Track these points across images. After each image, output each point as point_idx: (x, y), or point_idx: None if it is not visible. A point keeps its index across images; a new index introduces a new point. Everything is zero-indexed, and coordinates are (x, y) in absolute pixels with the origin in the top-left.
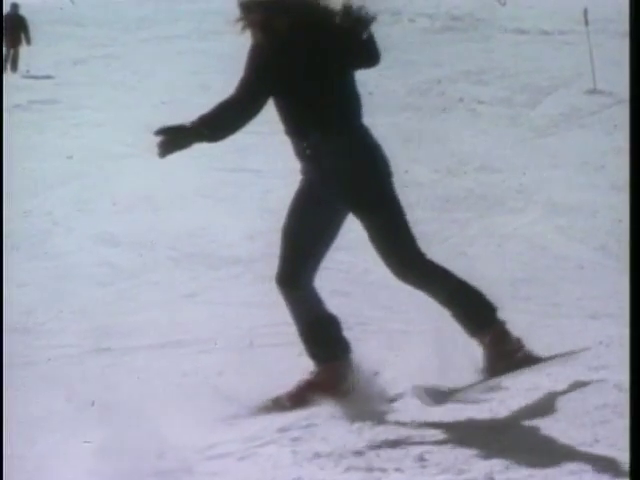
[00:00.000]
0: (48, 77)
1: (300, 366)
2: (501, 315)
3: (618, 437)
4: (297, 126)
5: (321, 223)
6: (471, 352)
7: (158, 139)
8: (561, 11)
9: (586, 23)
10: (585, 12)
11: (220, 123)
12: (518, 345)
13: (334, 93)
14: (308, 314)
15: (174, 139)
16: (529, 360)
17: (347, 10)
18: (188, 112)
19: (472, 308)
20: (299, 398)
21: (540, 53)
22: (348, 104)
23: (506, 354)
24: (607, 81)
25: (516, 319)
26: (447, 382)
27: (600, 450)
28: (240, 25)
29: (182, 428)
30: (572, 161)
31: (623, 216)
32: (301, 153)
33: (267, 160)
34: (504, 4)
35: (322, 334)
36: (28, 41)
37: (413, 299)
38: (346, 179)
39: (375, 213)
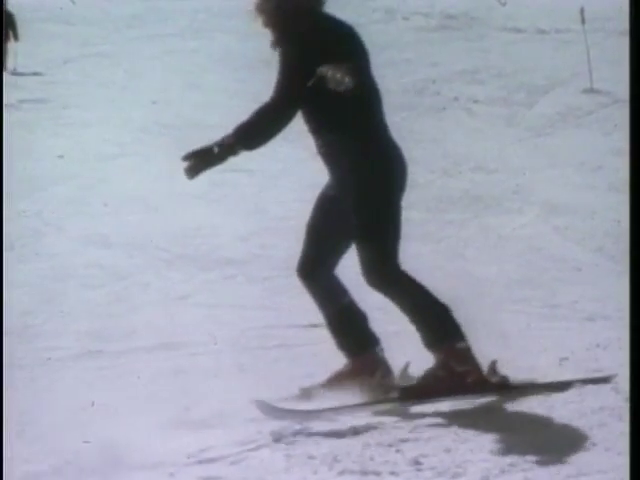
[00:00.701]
0: (36, 74)
1: (294, 367)
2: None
3: (615, 440)
4: (315, 125)
5: (341, 219)
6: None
7: (185, 164)
8: (557, 10)
9: (583, 22)
10: (582, 11)
11: (257, 131)
12: (474, 369)
13: (350, 91)
14: (331, 306)
15: (202, 161)
16: (482, 387)
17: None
18: (179, 111)
19: (433, 321)
20: (333, 390)
21: (536, 52)
22: (364, 102)
23: (454, 376)
24: (604, 80)
25: (512, 321)
26: None
27: (597, 453)
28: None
29: (174, 431)
30: (569, 161)
31: (621, 217)
32: (319, 151)
33: (260, 160)
34: (504, 4)
35: (348, 326)
36: (16, 37)
37: None
38: (352, 178)
39: (368, 214)
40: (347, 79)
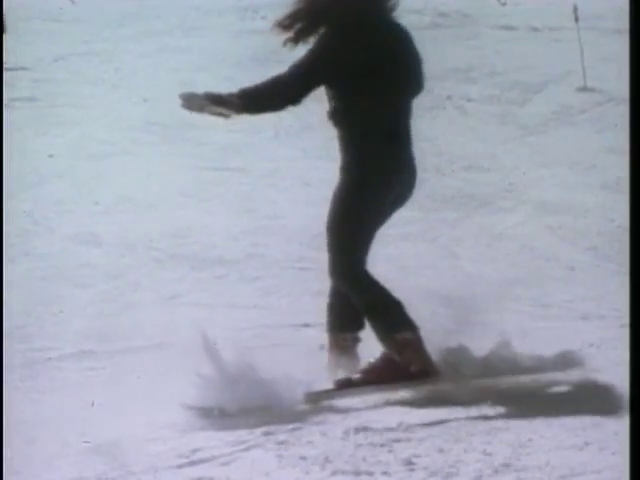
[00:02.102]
0: (24, 69)
1: (285, 366)
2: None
3: (610, 440)
4: (333, 116)
5: None
6: (452, 354)
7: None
8: (550, 7)
9: (576, 20)
10: (575, 9)
11: (258, 96)
12: (419, 359)
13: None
14: None
15: (200, 101)
16: (428, 376)
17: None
18: (171, 109)
19: (382, 317)
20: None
21: (529, 50)
22: (384, 105)
23: (395, 366)
24: (598, 78)
25: (505, 320)
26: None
27: (591, 453)
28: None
29: (165, 432)
30: (562, 160)
31: (615, 216)
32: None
33: (251, 159)
34: (504, 4)
35: (338, 304)
36: (3, 30)
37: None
38: (345, 170)
39: (343, 209)
40: (225, 112)
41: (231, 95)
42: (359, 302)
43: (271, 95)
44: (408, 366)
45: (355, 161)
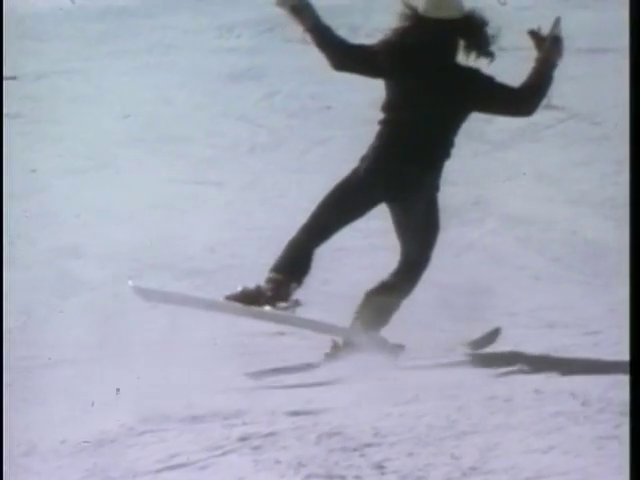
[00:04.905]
0: (11, 78)
1: (271, 370)
2: None
3: (573, 444)
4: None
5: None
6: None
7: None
8: (517, 28)
9: None
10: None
11: (332, 32)
12: (273, 291)
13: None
14: None
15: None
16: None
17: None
18: (151, 125)
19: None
20: None
21: (497, 69)
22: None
23: (261, 291)
24: (561, 97)
25: (473, 329)
26: None
27: (555, 456)
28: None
29: (144, 437)
30: (528, 174)
31: (578, 228)
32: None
33: (228, 172)
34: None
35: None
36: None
37: None
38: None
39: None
40: (297, 19)
41: (315, 13)
42: None
43: (338, 43)
44: (265, 294)
45: (361, 159)
